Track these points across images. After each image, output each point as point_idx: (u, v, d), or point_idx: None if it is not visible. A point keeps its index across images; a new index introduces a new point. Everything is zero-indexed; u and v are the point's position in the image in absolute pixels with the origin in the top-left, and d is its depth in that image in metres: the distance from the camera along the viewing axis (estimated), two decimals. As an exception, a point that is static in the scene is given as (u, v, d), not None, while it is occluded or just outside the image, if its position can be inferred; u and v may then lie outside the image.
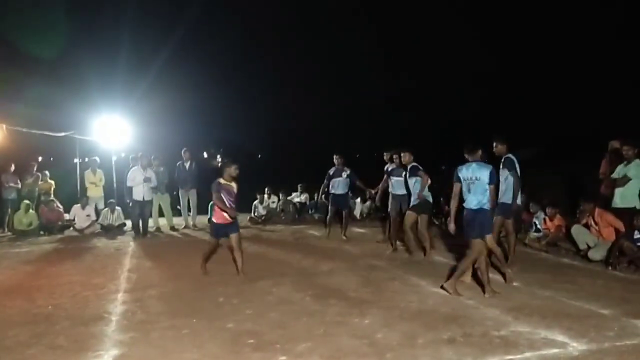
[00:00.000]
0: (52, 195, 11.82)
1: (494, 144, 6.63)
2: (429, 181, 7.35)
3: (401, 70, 28.67)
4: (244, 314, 4.73)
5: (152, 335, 4.20)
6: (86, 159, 13.33)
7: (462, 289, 5.48)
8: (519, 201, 6.52)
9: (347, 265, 7.05)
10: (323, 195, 10.29)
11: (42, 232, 10.84)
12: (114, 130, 13.44)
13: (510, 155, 6.48)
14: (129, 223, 11.28)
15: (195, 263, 6.56)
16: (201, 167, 12.24)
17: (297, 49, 33.93)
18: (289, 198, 13.40)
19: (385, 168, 8.65)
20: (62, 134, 13.35)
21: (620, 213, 7.14)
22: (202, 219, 12.06)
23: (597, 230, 7.37)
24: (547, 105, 21.17)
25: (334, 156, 9.45)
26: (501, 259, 5.84)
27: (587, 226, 7.54)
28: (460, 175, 5.43)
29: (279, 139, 31.40)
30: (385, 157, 8.89)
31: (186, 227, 11.47)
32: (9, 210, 11.14)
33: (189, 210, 11.67)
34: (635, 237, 6.59)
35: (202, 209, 12.06)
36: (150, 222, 10.86)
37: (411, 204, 7.44)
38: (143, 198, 10.21)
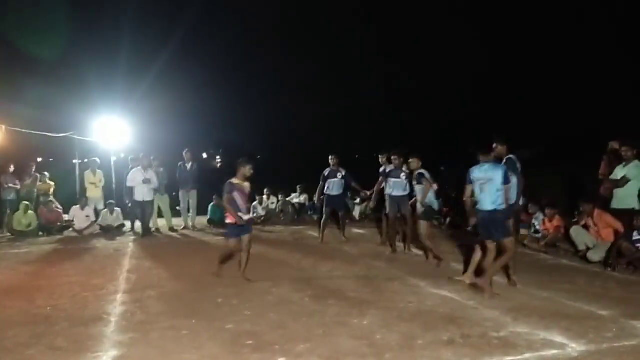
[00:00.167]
0: (51, 196, 11.81)
1: (494, 145, 6.62)
2: (436, 187, 7.27)
3: (401, 70, 28.73)
4: (243, 315, 4.73)
5: (151, 336, 4.20)
6: (85, 160, 13.34)
7: (462, 289, 5.49)
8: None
9: (346, 266, 7.06)
10: (319, 197, 10.18)
11: (41, 233, 10.83)
12: (113, 131, 13.45)
13: (511, 157, 6.48)
14: (128, 224, 11.29)
15: (194, 264, 6.58)
16: (202, 168, 12.24)
17: (296, 49, 34.01)
18: (288, 199, 13.42)
19: (383, 169, 8.55)
20: (62, 134, 13.37)
21: (619, 214, 7.14)
22: (202, 220, 12.07)
23: (596, 231, 7.38)
24: (547, 106, 21.20)
25: (330, 157, 9.36)
26: (512, 263, 5.82)
27: (586, 227, 7.55)
28: (472, 176, 5.44)
29: (279, 139, 31.42)
30: (380, 159, 8.87)
31: (185, 228, 11.46)
32: (8, 211, 11.13)
33: (189, 211, 11.66)
34: (634, 238, 6.60)
35: (201, 210, 12.07)
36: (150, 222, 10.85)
37: (418, 212, 7.35)
38: (143, 199, 10.22)
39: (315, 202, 11.16)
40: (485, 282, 5.30)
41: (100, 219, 11.22)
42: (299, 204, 13.36)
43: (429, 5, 26.85)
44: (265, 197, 12.97)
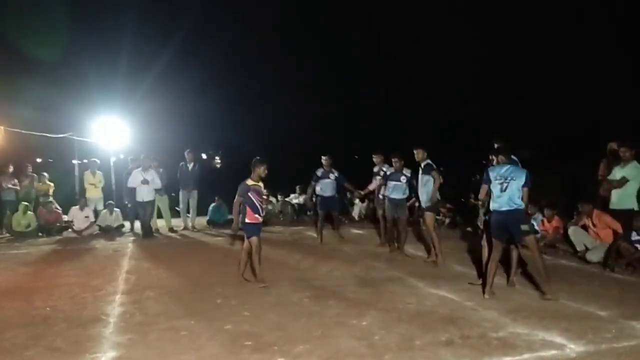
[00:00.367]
0: (50, 197, 11.81)
1: (494, 145, 6.62)
2: (441, 180, 7.20)
3: (401, 70, 28.74)
4: (242, 315, 4.73)
5: (150, 336, 4.20)
6: (85, 161, 13.35)
7: (461, 290, 5.49)
8: None
9: (345, 267, 7.05)
10: (310, 197, 10.09)
11: (40, 234, 10.83)
12: (113, 132, 13.46)
13: (513, 157, 6.47)
14: (127, 224, 11.28)
15: (193, 264, 6.56)
16: (202, 169, 12.23)
17: (296, 50, 33.99)
18: (287, 199, 13.41)
19: (384, 172, 8.42)
20: (61, 135, 13.37)
21: (617, 215, 7.14)
22: (202, 221, 12.07)
23: (595, 231, 7.38)
24: (547, 106, 21.20)
25: (322, 157, 9.22)
26: (516, 264, 5.82)
27: (585, 228, 7.55)
28: (491, 174, 5.37)
29: (278, 139, 31.39)
30: (374, 159, 8.81)
31: (185, 228, 11.46)
32: (7, 211, 11.13)
33: (188, 211, 11.66)
34: (633, 238, 6.59)
35: (201, 211, 12.06)
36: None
37: (425, 205, 7.28)
38: (143, 199, 10.23)
39: (307, 203, 11.12)
40: (544, 281, 5.30)
41: (99, 219, 11.22)
42: (298, 204, 13.34)
43: (428, 6, 26.85)
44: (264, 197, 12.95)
